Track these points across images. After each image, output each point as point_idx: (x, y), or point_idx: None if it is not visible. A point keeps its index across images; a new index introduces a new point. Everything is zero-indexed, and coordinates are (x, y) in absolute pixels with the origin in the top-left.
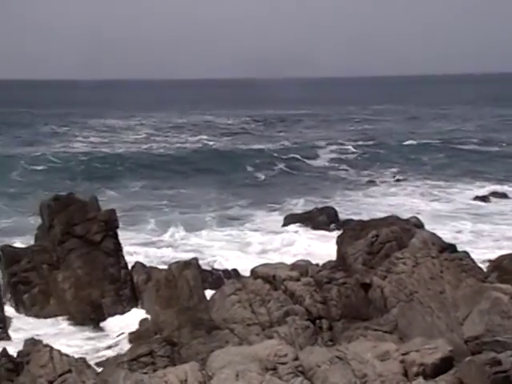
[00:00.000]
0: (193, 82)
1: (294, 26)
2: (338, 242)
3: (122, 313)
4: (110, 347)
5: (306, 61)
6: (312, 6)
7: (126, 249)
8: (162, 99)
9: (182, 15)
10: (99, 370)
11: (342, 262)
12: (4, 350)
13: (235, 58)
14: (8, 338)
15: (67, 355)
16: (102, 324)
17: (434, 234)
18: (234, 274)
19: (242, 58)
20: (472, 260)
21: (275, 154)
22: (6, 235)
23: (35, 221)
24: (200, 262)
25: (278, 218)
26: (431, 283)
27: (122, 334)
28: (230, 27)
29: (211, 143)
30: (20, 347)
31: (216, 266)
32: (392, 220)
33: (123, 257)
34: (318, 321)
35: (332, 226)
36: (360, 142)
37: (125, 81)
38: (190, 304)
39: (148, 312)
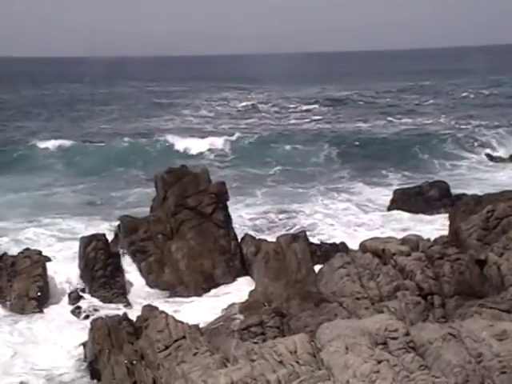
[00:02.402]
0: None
1: None
2: (450, 217)
3: (232, 283)
4: (221, 316)
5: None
6: None
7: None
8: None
9: None
10: (211, 338)
11: (454, 237)
12: (125, 314)
13: None
14: (128, 303)
15: (182, 322)
16: (213, 293)
17: None
18: (342, 247)
19: None
20: None
21: None
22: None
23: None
24: (308, 234)
25: (386, 191)
26: None
27: (233, 304)
28: None
29: None
30: (138, 313)
31: (324, 240)
32: (510, 195)
33: (233, 228)
34: (429, 297)
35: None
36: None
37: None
38: (298, 276)
39: (257, 283)
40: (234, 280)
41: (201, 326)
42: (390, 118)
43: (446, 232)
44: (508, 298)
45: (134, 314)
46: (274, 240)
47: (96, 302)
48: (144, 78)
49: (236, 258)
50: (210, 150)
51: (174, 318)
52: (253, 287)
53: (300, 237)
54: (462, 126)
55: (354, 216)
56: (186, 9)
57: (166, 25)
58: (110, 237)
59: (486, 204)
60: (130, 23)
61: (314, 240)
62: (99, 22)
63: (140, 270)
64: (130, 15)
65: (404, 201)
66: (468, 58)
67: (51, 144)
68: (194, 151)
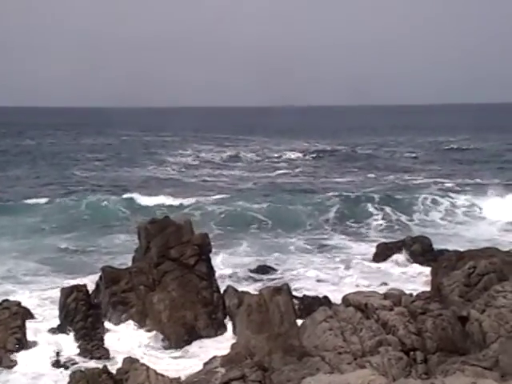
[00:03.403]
0: None
1: None
2: (432, 273)
3: (215, 336)
4: (202, 370)
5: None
6: None
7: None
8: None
9: None
10: None
11: (436, 292)
12: (105, 366)
13: None
14: (108, 355)
15: (162, 375)
16: (195, 346)
17: None
18: (325, 301)
19: None
20: None
21: None
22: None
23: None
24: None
25: (368, 247)
26: None
27: (215, 357)
28: None
29: None
30: (119, 365)
31: (307, 293)
32: (491, 251)
33: (216, 280)
34: (411, 352)
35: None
36: None
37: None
38: (281, 330)
39: (239, 336)
40: (216, 332)
41: (182, 379)
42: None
43: (428, 287)
44: (490, 355)
45: (114, 366)
46: (256, 292)
47: (76, 353)
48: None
49: (218, 310)
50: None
51: (155, 371)
52: (235, 340)
53: (283, 290)
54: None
55: (336, 270)
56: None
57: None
58: (91, 288)
59: (468, 260)
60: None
61: (297, 293)
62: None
63: (121, 322)
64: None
65: (386, 256)
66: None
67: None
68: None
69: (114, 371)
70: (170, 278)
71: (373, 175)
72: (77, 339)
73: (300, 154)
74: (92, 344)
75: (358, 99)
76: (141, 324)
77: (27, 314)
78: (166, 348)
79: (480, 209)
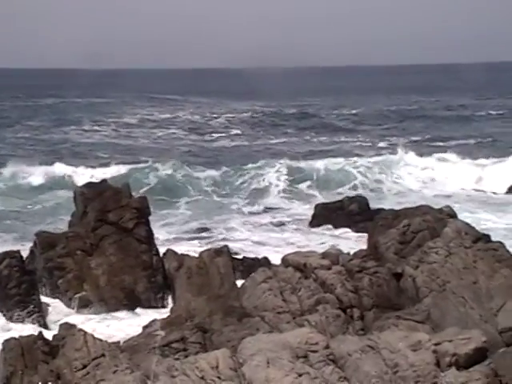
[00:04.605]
0: None
1: None
2: (369, 231)
3: (154, 300)
4: (142, 333)
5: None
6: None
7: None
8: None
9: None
10: (132, 355)
11: (373, 251)
12: (40, 333)
13: None
14: (44, 322)
15: (101, 340)
16: (134, 310)
17: (467, 224)
18: (264, 262)
19: None
20: (507, 250)
21: None
22: None
23: None
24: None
25: (308, 208)
26: (464, 273)
27: (154, 320)
28: None
29: None
30: (55, 331)
31: (247, 255)
32: (425, 209)
33: (155, 244)
34: (349, 310)
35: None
36: None
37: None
38: (221, 291)
39: (179, 299)
40: (156, 296)
41: (121, 343)
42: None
43: (365, 246)
44: (422, 309)
45: (51, 333)
46: (196, 255)
47: (9, 321)
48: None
49: (158, 273)
50: None
51: (92, 335)
52: (175, 302)
53: (223, 251)
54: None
55: (276, 231)
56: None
57: (152, 32)
58: (24, 254)
59: (403, 218)
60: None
61: (237, 256)
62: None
63: (57, 287)
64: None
65: (325, 216)
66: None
67: None
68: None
69: (50, 338)
70: (108, 242)
71: (308, 137)
72: (11, 306)
73: (244, 115)
74: (27, 311)
75: (359, 60)
76: (78, 289)
77: None
78: (104, 312)
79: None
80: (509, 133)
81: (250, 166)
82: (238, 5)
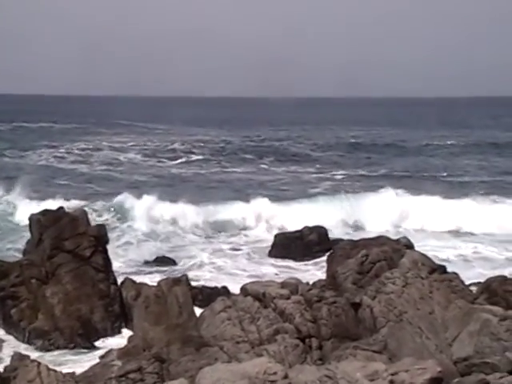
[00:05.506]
0: None
1: None
2: (328, 261)
3: (111, 329)
4: (98, 363)
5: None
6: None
7: None
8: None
9: None
10: None
11: (332, 281)
12: None
13: None
14: None
15: (55, 370)
16: (90, 340)
17: (423, 255)
18: (223, 291)
19: None
20: (462, 281)
21: None
22: None
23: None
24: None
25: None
26: (421, 303)
27: (111, 350)
28: None
29: None
30: (7, 362)
31: (206, 284)
32: (382, 240)
33: (112, 272)
34: (307, 339)
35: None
36: None
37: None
38: (179, 321)
39: (137, 328)
40: (113, 325)
41: (76, 373)
42: None
43: (324, 276)
44: (379, 339)
45: (2, 364)
46: (154, 284)
47: None
48: None
49: (115, 302)
50: None
51: (46, 366)
52: (132, 332)
53: (181, 280)
54: None
55: (235, 260)
56: None
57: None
58: None
59: (361, 249)
60: None
61: (196, 283)
62: None
63: (10, 317)
64: None
65: (285, 245)
66: None
67: None
68: None
69: (1, 369)
70: (64, 271)
71: (266, 166)
72: None
73: (202, 144)
74: None
75: (346, 90)
76: (32, 319)
77: None
78: (59, 343)
79: None
80: None
81: None
82: None
